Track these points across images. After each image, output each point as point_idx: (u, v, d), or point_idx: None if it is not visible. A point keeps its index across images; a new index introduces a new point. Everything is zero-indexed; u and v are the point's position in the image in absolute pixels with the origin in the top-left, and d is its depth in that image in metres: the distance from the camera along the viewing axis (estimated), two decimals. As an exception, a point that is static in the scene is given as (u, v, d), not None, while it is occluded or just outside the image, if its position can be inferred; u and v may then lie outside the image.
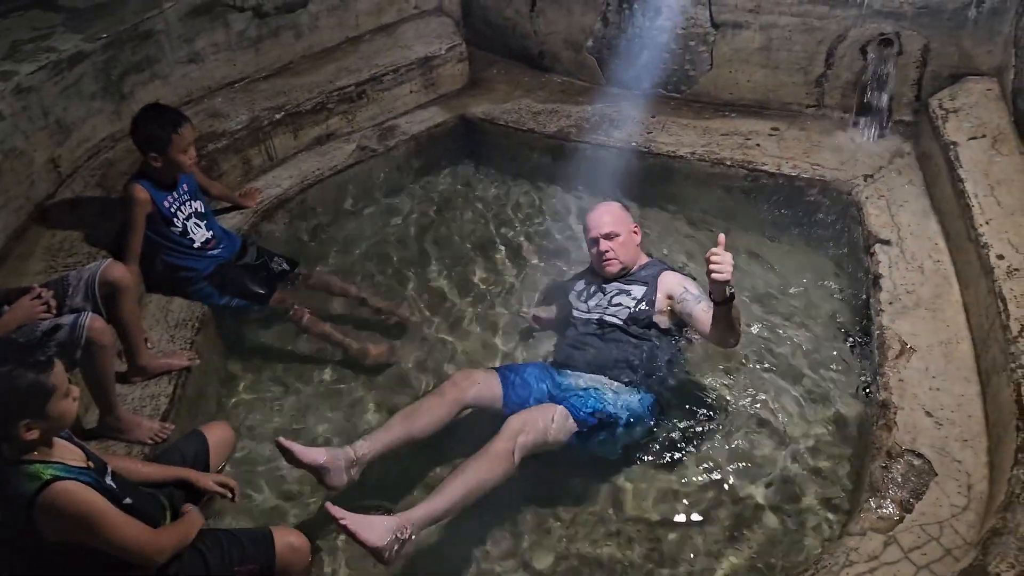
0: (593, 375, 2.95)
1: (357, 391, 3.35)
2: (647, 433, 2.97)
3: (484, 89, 4.79)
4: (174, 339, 3.15)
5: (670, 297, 3.02)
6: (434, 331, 3.60)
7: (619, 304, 3.08)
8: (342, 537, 2.74)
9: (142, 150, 3.18)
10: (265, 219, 3.92)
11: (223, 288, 3.36)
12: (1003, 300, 2.61)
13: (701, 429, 3.02)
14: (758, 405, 3.10)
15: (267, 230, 3.91)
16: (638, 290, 3.09)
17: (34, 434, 1.95)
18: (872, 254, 3.29)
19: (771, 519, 2.73)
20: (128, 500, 2.11)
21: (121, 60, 3.93)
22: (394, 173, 4.45)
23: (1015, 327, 2.51)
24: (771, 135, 4.06)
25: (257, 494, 2.91)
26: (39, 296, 2.52)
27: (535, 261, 3.96)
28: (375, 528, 2.32)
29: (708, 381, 3.20)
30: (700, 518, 2.76)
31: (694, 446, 2.97)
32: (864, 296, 3.29)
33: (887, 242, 3.32)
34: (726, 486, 2.84)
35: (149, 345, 3.02)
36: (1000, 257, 2.77)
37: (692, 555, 2.65)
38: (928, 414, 2.60)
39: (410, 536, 2.37)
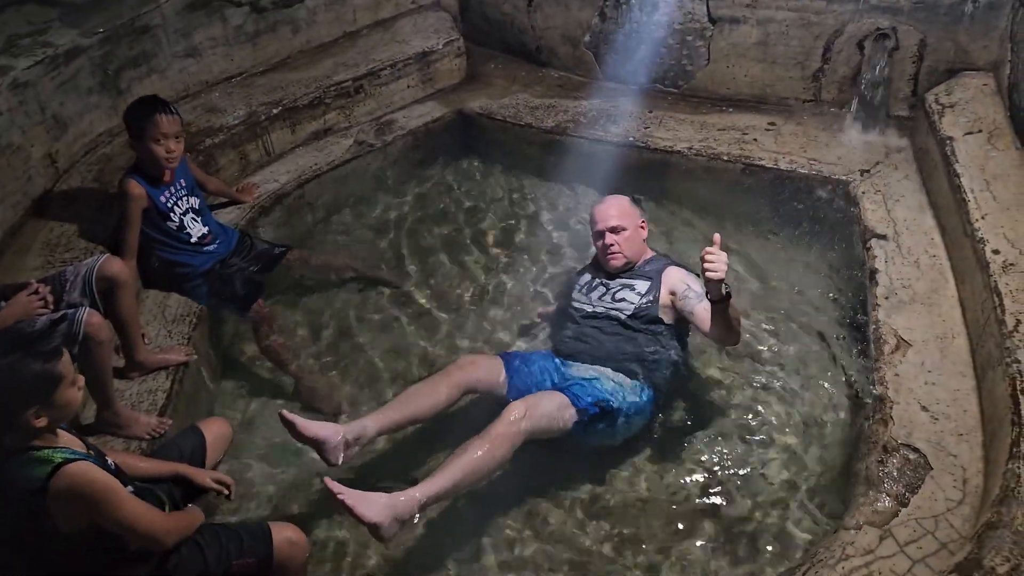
0: (596, 367, 2.96)
1: (354, 385, 3.35)
2: (647, 425, 2.99)
3: (481, 84, 4.79)
4: (171, 335, 3.15)
5: (673, 293, 3.03)
6: (432, 324, 3.61)
7: (623, 299, 3.08)
8: (340, 531, 2.75)
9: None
10: (262, 214, 3.91)
11: (211, 287, 3.36)
12: (999, 295, 2.62)
13: (699, 422, 3.04)
14: (754, 399, 3.12)
15: (264, 225, 3.90)
16: (642, 285, 3.09)
17: (42, 422, 1.96)
18: (868, 249, 3.30)
19: (767, 512, 2.74)
20: (130, 488, 2.12)
21: (118, 55, 3.92)
22: (391, 168, 4.44)
23: (1010, 322, 2.52)
24: (768, 130, 4.06)
25: (254, 489, 2.92)
26: (36, 291, 2.51)
27: (532, 255, 3.96)
28: (373, 504, 2.34)
29: (706, 375, 3.22)
30: (696, 510, 2.77)
31: (692, 439, 2.99)
32: (860, 291, 3.30)
33: (883, 237, 3.32)
34: (722, 479, 2.86)
35: (146, 340, 3.02)
36: (996, 252, 2.78)
37: (687, 548, 2.66)
38: (924, 409, 2.61)
39: (409, 514, 2.39)
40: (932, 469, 2.42)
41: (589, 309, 3.14)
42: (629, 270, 3.18)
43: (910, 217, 3.41)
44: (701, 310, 2.85)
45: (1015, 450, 2.20)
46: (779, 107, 4.20)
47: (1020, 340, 2.46)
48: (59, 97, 3.67)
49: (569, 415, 2.75)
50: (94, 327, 2.50)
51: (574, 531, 2.74)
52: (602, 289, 3.17)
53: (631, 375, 2.94)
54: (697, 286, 2.95)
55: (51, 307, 2.53)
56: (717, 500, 2.80)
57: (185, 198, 3.33)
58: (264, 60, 4.55)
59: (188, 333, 3.16)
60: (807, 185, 3.76)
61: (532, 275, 3.85)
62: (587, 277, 3.27)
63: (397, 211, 4.32)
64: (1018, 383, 2.34)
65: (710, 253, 2.53)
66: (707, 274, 2.55)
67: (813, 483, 2.81)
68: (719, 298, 2.63)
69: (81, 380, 2.07)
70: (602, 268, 3.22)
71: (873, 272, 3.17)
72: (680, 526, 2.73)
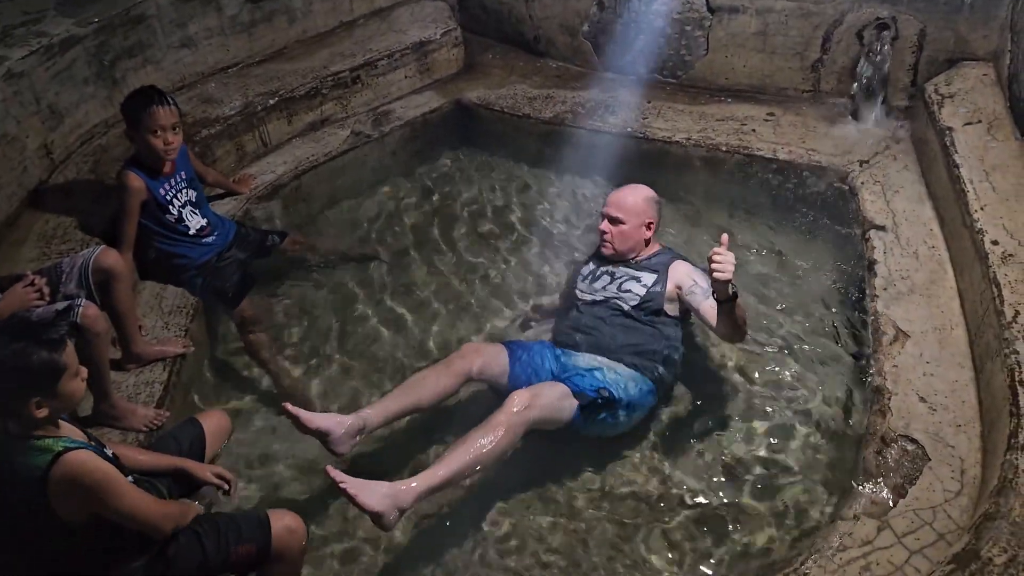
0: (596, 357, 2.96)
1: (353, 377, 3.34)
2: (647, 417, 2.99)
3: (479, 74, 4.77)
4: (168, 326, 3.14)
5: (679, 288, 3.02)
6: (431, 315, 3.60)
7: (629, 291, 3.08)
8: (338, 522, 2.75)
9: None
10: (259, 205, 3.90)
11: (205, 280, 3.34)
12: (997, 286, 2.62)
13: (699, 413, 3.04)
14: (754, 390, 3.11)
15: (261, 216, 3.89)
16: (648, 277, 3.09)
17: (44, 412, 1.96)
18: (867, 240, 3.29)
19: (765, 503, 2.74)
20: (130, 479, 2.12)
21: (113, 45, 3.90)
22: (389, 159, 4.43)
23: (1009, 313, 2.52)
24: (767, 120, 4.05)
25: (250, 481, 2.91)
26: (32, 283, 2.50)
27: (529, 246, 3.95)
28: (375, 493, 2.35)
29: (707, 367, 3.22)
30: (696, 501, 2.77)
31: (692, 430, 2.99)
32: (859, 282, 3.29)
33: (882, 228, 3.32)
34: (721, 470, 2.86)
35: (143, 332, 3.01)
36: (995, 243, 2.78)
37: (686, 539, 2.66)
38: (922, 399, 2.61)
39: (410, 503, 2.40)
40: (930, 460, 2.42)
41: (592, 298, 3.14)
42: (636, 261, 3.17)
43: (909, 208, 3.40)
44: (707, 307, 2.84)
45: (1013, 441, 2.20)
46: (778, 97, 4.19)
47: (1018, 331, 2.46)
48: (54, 87, 3.66)
49: (570, 405, 2.75)
50: (90, 319, 2.49)
51: (574, 523, 2.74)
52: (607, 278, 3.16)
53: (632, 367, 2.93)
54: (703, 282, 2.94)
55: (47, 299, 2.52)
56: (718, 492, 2.80)
57: (184, 190, 3.31)
58: (260, 50, 4.53)
59: (186, 325, 3.16)
60: (806, 176, 3.75)
61: (530, 266, 3.84)
62: (591, 267, 3.26)
63: (394, 201, 4.30)
64: (1016, 374, 2.34)
65: (718, 254, 2.53)
66: (715, 275, 2.54)
67: (811, 473, 2.81)
68: (726, 298, 2.63)
69: (84, 372, 2.07)
70: (608, 259, 3.20)
71: (872, 263, 3.17)
72: (681, 517, 2.73)
